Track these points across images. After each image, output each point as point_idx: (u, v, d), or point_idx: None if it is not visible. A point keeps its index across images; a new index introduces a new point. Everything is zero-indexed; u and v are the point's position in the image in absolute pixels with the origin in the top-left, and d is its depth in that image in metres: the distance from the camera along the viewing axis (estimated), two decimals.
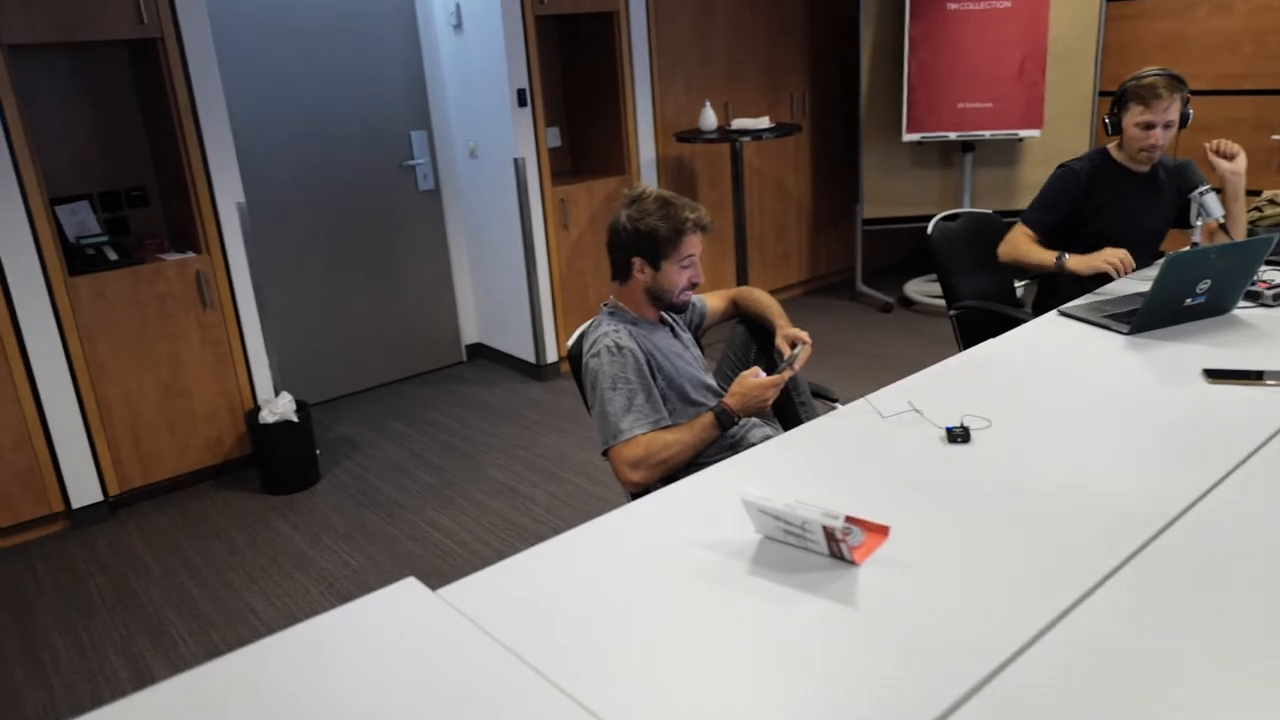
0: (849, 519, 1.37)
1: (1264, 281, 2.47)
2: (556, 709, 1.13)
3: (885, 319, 5.16)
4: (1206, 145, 2.75)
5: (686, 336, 2.20)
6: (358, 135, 4.33)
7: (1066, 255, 2.64)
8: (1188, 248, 2.89)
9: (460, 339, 4.91)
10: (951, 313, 3.00)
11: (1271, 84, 4.50)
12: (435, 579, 2.88)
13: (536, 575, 1.44)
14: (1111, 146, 2.83)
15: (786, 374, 1.99)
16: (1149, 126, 2.63)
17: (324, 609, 2.73)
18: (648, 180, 4.76)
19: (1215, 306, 2.34)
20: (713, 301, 2.32)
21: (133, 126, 3.62)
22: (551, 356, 4.59)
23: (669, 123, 4.78)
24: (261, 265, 3.70)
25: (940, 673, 1.15)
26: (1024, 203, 5.12)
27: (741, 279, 4.82)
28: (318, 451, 3.68)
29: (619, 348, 1.94)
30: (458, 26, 4.36)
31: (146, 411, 3.46)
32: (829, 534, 1.37)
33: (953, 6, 4.80)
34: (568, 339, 4.58)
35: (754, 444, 2.03)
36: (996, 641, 1.20)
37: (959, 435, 1.78)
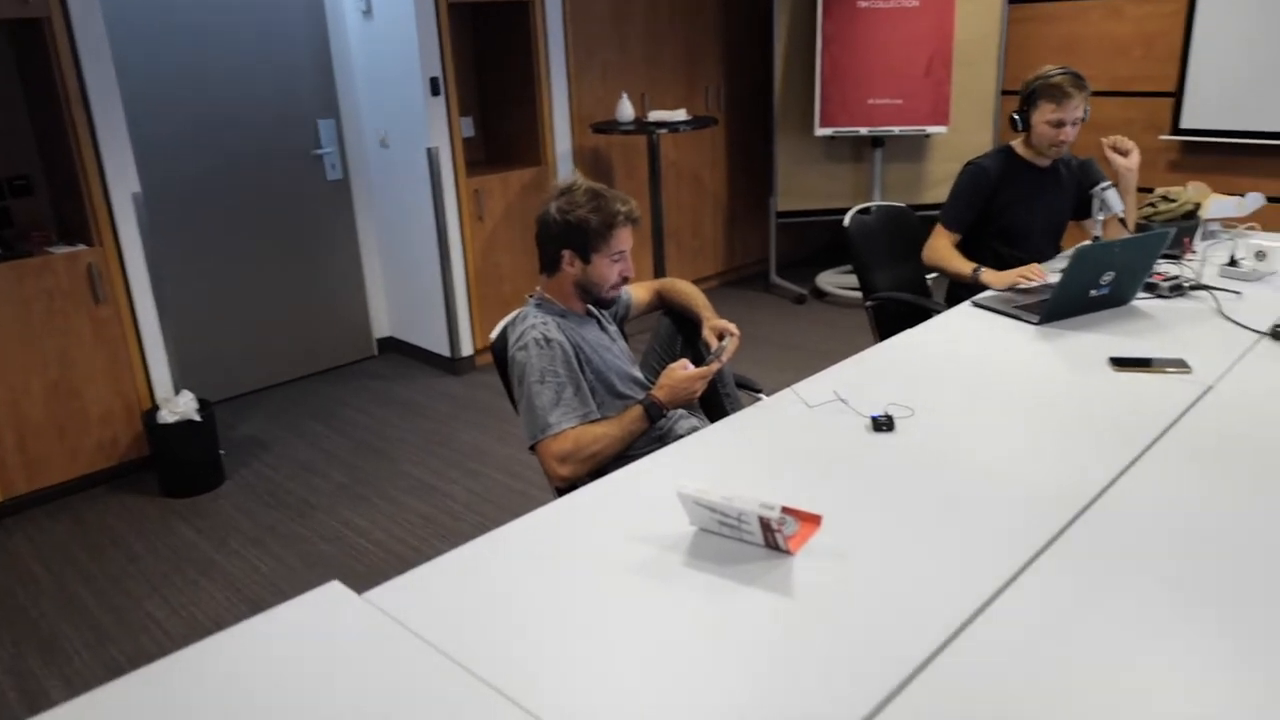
0: (784, 509, 1.37)
1: (1159, 274, 2.59)
2: (496, 712, 1.10)
3: (799, 310, 5.24)
4: (1103, 141, 2.87)
5: (613, 329, 2.18)
6: (262, 123, 4.15)
7: (983, 270, 2.73)
8: (1089, 241, 3.01)
9: (371, 333, 4.78)
10: (868, 304, 3.05)
11: (1159, 86, 4.73)
12: (352, 580, 2.79)
13: (466, 575, 1.40)
14: (1016, 143, 2.92)
15: (714, 366, 1.99)
16: (1059, 124, 2.72)
17: (232, 617, 2.63)
18: (563, 171, 4.72)
19: (1117, 297, 2.44)
20: (637, 293, 2.30)
21: (15, 112, 3.39)
22: (467, 350, 4.51)
23: (585, 113, 4.74)
24: (160, 257, 3.52)
25: (879, 658, 1.15)
26: (931, 197, 5.29)
27: (659, 271, 4.82)
28: (221, 452, 3.52)
29: (547, 340, 1.90)
30: (367, 12, 4.23)
31: (33, 413, 3.25)
32: (765, 525, 1.36)
33: (863, 5, 4.89)
34: (484, 332, 4.52)
35: (682, 435, 2.03)
36: (932, 625, 1.21)
37: (883, 424, 1.81)
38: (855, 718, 1.06)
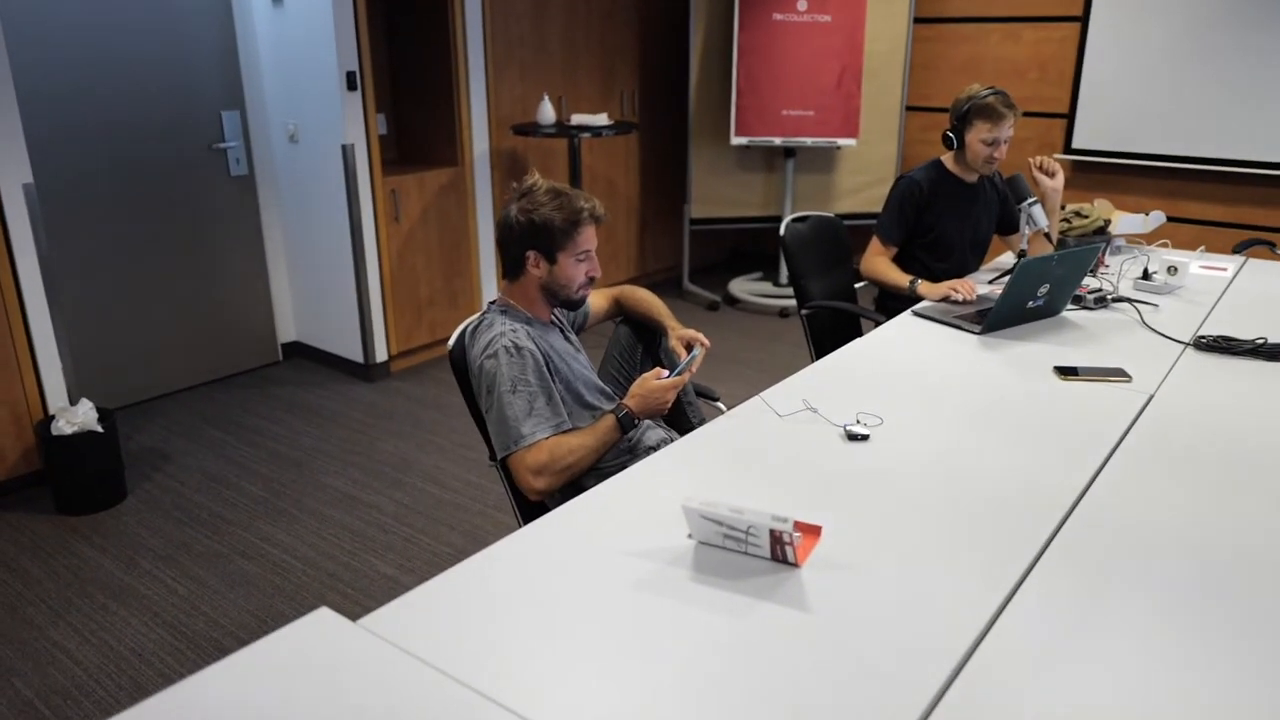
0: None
1: (1084, 287, 2.72)
2: None
3: (714, 316, 5.29)
4: (1030, 161, 3.00)
5: (574, 338, 2.13)
6: (163, 114, 3.90)
7: (919, 282, 2.81)
8: (1013, 254, 3.15)
9: (276, 337, 4.55)
10: (803, 312, 3.10)
11: (1053, 108, 5.00)
12: (279, 599, 2.66)
13: (462, 596, 1.34)
14: (946, 159, 3.02)
15: (687, 375, 1.97)
16: (993, 142, 2.83)
17: (153, 644, 2.45)
18: (480, 173, 4.62)
19: (1050, 309, 2.55)
20: (595, 300, 2.26)
21: None
22: (381, 355, 4.35)
23: (503, 114, 4.66)
24: (53, 254, 3.25)
25: (908, 671, 1.16)
26: (841, 207, 5.44)
27: None
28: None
29: (518, 348, 1.84)
30: (277, 1, 4.03)
31: None
32: (776, 537, 1.35)
33: (778, 18, 4.98)
34: (399, 337, 4.38)
35: (652, 446, 2.01)
36: (952, 636, 1.23)
37: (858, 434, 1.83)
38: None
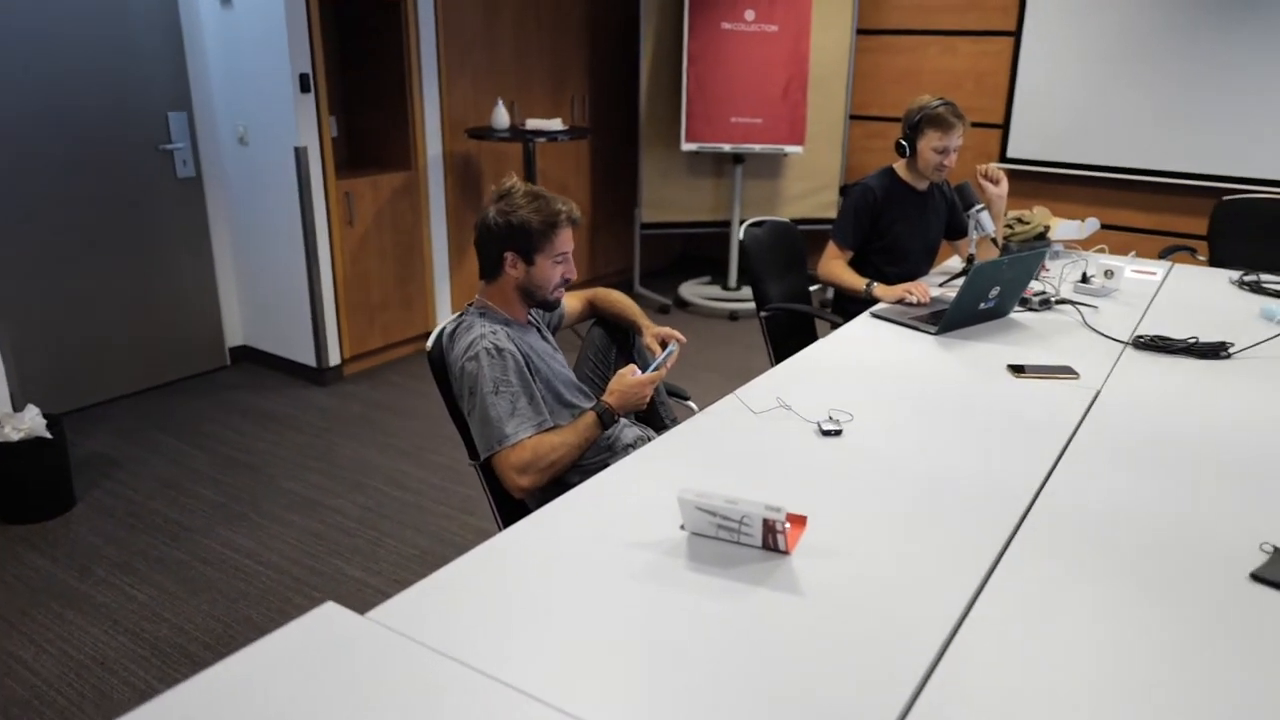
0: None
1: (1029, 290, 2.86)
2: (534, 717, 1.09)
3: (664, 319, 5.36)
4: (977, 169, 3.14)
5: (551, 338, 2.17)
6: (107, 114, 3.82)
7: (875, 285, 2.91)
8: (961, 258, 3.28)
9: (224, 341, 4.48)
10: (762, 314, 3.18)
11: (989, 118, 5.20)
12: (244, 604, 2.65)
13: (467, 588, 1.37)
14: (898, 167, 3.14)
15: (663, 371, 2.03)
16: (944, 150, 2.95)
17: (115, 651, 2.41)
18: (434, 177, 4.61)
19: (999, 310, 2.68)
20: (569, 302, 2.30)
21: None
22: (335, 359, 4.31)
23: (455, 118, 4.66)
24: None
25: (901, 645, 1.23)
26: (787, 213, 5.56)
27: None
28: None
29: (499, 350, 1.88)
30: (226, 1, 3.98)
31: None
32: (769, 526, 1.42)
33: (726, 26, 5.08)
34: (352, 341, 4.34)
35: (629, 443, 2.06)
36: (937, 613, 1.30)
37: (832, 430, 1.91)
38: (902, 697, 1.13)
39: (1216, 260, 3.94)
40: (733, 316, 5.36)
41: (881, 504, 1.63)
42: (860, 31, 5.46)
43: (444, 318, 4.78)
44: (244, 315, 4.52)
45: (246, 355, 4.57)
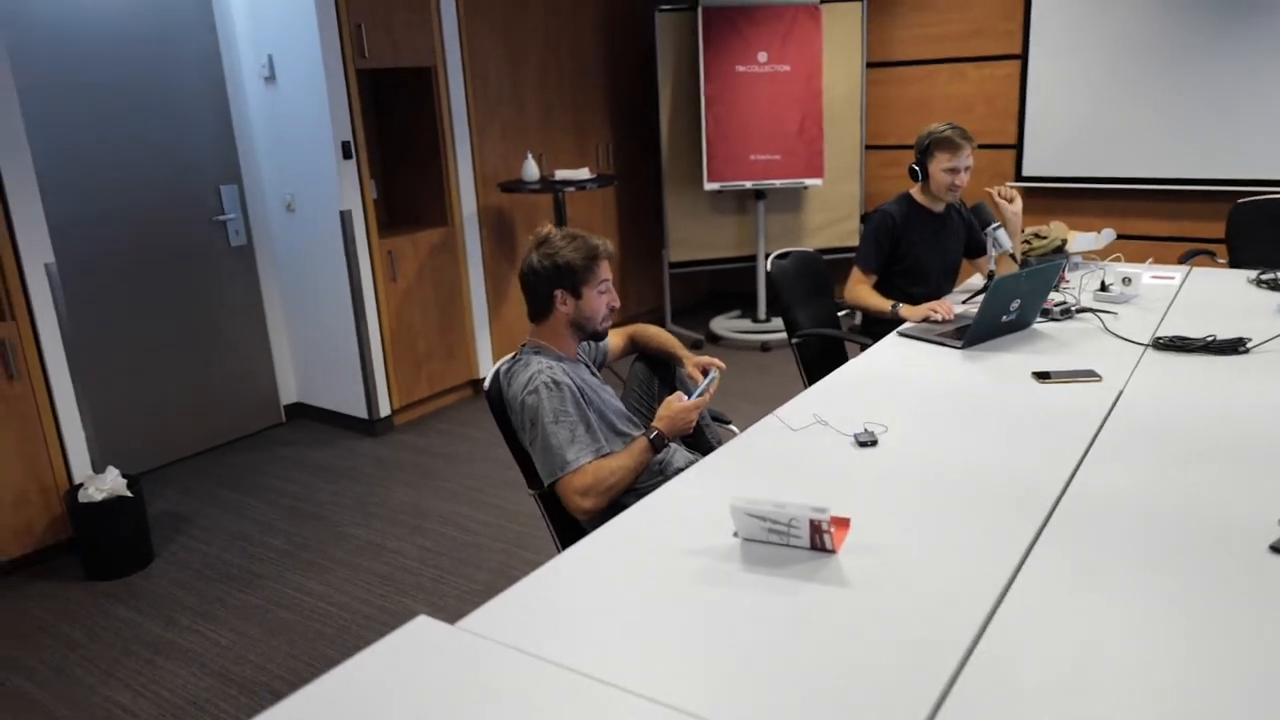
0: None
1: (1050, 301, 2.98)
2: (640, 712, 1.21)
3: (699, 354, 5.49)
4: (991, 190, 3.27)
5: (598, 374, 2.33)
6: (166, 191, 4.08)
7: (901, 305, 3.04)
8: (981, 275, 3.40)
9: (279, 399, 4.69)
10: (794, 340, 3.32)
11: (1001, 139, 5.34)
12: (321, 643, 2.79)
13: (541, 598, 1.49)
14: (914, 191, 3.29)
15: (707, 396, 2.17)
16: (954, 170, 3.10)
17: (206, 692, 2.57)
18: (470, 231, 4.82)
19: (1021, 322, 2.80)
20: (612, 339, 2.45)
21: None
22: (385, 410, 4.50)
23: (487, 174, 4.88)
24: (71, 330, 3.39)
25: (945, 629, 1.35)
26: (810, 243, 5.72)
27: None
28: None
29: (556, 383, 2.03)
30: (270, 78, 4.24)
31: None
32: (815, 527, 1.55)
33: (741, 70, 5.29)
34: (400, 392, 4.53)
35: (680, 468, 2.19)
36: (975, 602, 1.42)
37: (867, 441, 2.04)
38: (940, 681, 1.25)
39: (1236, 262, 4.03)
40: (764, 348, 5.50)
41: (919, 505, 1.75)
42: (870, 65, 5.65)
43: (486, 363, 4.97)
44: (296, 373, 4.73)
45: (300, 411, 4.77)
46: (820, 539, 1.56)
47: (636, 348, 2.50)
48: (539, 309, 2.17)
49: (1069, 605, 1.39)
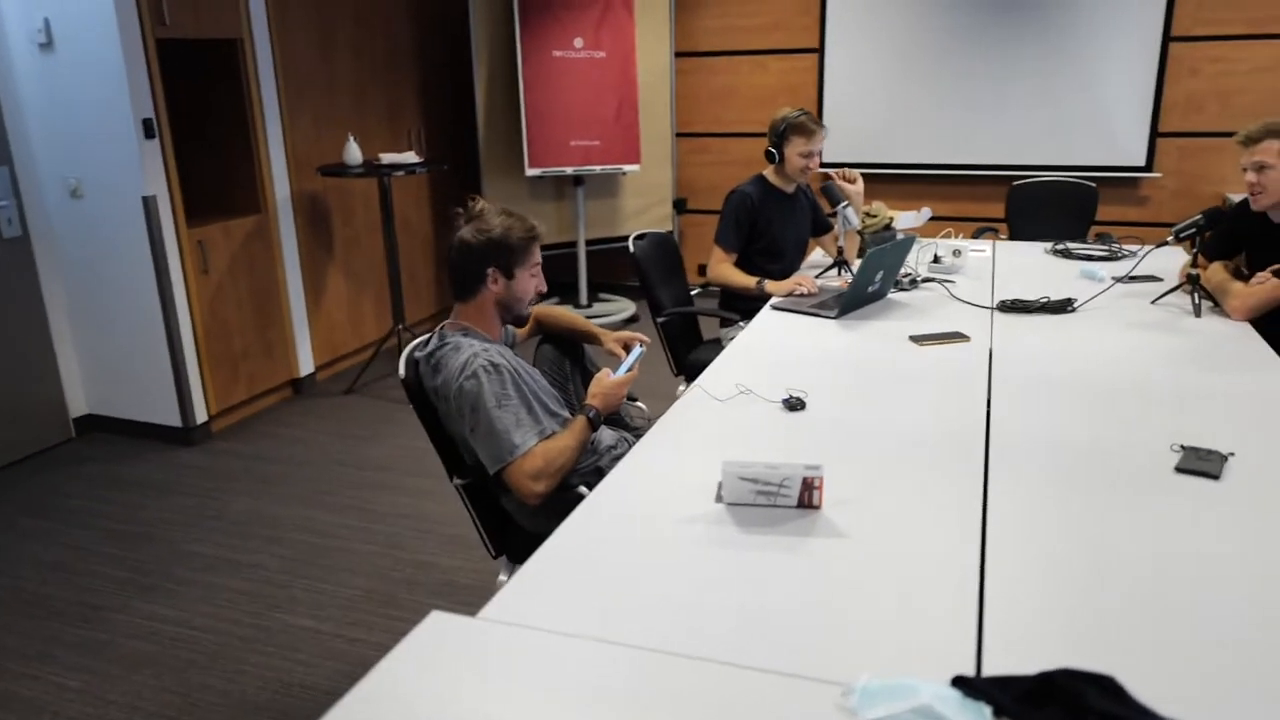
0: None
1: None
2: (676, 671, 1.22)
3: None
4: (833, 172, 3.50)
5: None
6: None
7: (765, 281, 3.18)
8: (826, 251, 3.63)
9: (67, 411, 4.14)
10: (659, 320, 3.38)
11: None
12: (194, 671, 2.54)
13: (547, 576, 1.45)
14: (767, 173, 3.45)
15: (635, 371, 2.17)
16: (809, 154, 3.28)
17: None
18: (284, 218, 4.49)
19: (881, 292, 3.03)
20: None
21: None
22: (201, 416, 4.10)
23: (299, 158, 4.56)
24: None
25: (954, 560, 1.46)
26: (629, 229, 5.82)
27: (397, 313, 4.76)
28: None
29: (495, 366, 1.96)
30: (46, 45, 3.72)
31: None
32: (807, 484, 1.61)
33: (557, 54, 5.28)
34: (218, 396, 4.14)
35: (610, 444, 2.20)
36: (962, 538, 1.55)
37: (795, 404, 2.14)
38: (971, 607, 1.35)
39: (1015, 236, 4.57)
40: None
41: (869, 459, 1.86)
42: (678, 54, 5.83)
43: (306, 361, 4.67)
44: (87, 382, 4.19)
45: (94, 424, 4.23)
46: (809, 495, 1.63)
47: (542, 329, 2.46)
48: (467, 286, 2.09)
49: (1040, 531, 1.55)
